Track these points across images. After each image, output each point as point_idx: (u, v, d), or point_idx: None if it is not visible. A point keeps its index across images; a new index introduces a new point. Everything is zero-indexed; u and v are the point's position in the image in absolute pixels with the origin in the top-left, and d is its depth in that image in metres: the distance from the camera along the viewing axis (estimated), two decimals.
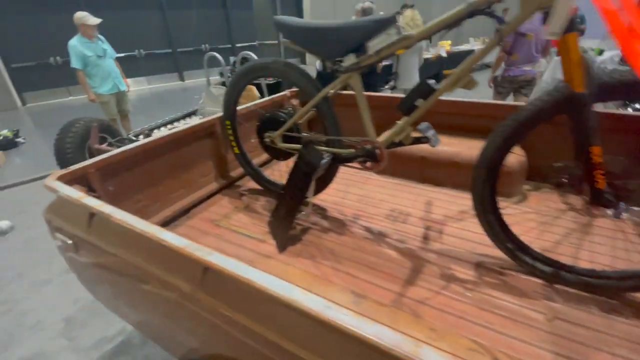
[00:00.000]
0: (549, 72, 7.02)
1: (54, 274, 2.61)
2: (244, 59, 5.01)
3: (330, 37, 1.25)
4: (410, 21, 4.21)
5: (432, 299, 1.13)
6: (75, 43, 4.16)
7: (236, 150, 1.86)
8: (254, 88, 4.56)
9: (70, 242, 1.10)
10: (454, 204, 1.67)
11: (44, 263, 2.72)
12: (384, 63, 4.92)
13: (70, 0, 8.36)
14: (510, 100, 4.34)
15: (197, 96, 8.98)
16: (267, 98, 2.32)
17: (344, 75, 1.33)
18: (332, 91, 1.40)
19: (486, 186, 1.17)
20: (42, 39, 8.13)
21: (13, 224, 3.22)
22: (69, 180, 1.23)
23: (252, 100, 4.68)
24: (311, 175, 1.36)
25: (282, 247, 1.42)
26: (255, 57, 4.47)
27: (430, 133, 1.34)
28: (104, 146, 3.61)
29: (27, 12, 7.81)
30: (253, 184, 2.01)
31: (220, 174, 2.01)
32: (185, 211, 1.76)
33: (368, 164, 1.40)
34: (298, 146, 1.53)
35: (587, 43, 8.59)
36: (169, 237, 0.80)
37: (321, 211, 1.71)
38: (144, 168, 1.56)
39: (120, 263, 0.96)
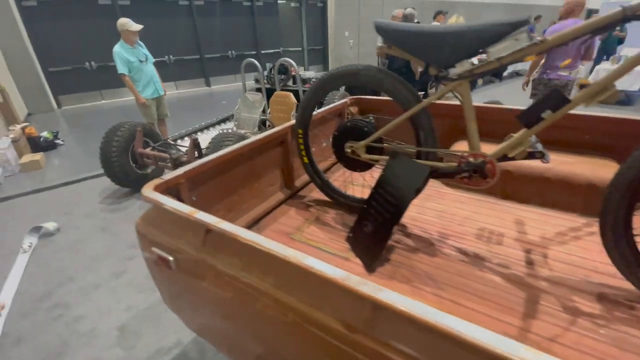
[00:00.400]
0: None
1: (103, 278, 2.57)
2: (283, 67, 4.97)
3: (449, 42, 1.15)
4: None
5: (562, 336, 1.00)
6: (119, 49, 4.20)
7: (305, 159, 1.78)
8: (291, 95, 4.51)
9: (171, 258, 1.02)
10: (548, 224, 1.53)
11: (92, 266, 2.69)
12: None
13: (106, 8, 8.59)
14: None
15: (225, 101, 9.08)
16: (329, 106, 2.23)
17: (452, 83, 1.22)
18: (435, 101, 1.30)
19: (621, 209, 1.04)
20: (78, 44, 8.36)
21: (59, 225, 3.21)
22: (164, 190, 1.16)
23: (289, 107, 4.65)
24: (415, 192, 1.25)
25: (371, 269, 1.31)
26: (293, 63, 4.43)
27: (540, 147, 1.22)
28: (147, 150, 3.59)
29: (64, 18, 8.04)
30: (317, 194, 1.92)
31: (286, 183, 1.93)
32: (256, 221, 1.67)
33: (472, 180, 1.28)
34: (383, 157, 1.42)
35: (624, 51, 8.27)
36: (317, 265, 0.70)
37: (400, 227, 1.60)
38: (221, 178, 1.48)
39: (238, 284, 0.86)
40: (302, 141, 1.73)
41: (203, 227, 0.93)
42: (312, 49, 13.32)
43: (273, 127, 4.22)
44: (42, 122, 7.02)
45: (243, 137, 3.21)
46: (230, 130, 4.88)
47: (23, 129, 5.28)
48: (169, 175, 1.23)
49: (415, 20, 6.43)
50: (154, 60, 4.73)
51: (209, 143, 3.05)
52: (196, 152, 3.22)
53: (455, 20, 4.05)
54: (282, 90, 4.82)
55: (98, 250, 2.89)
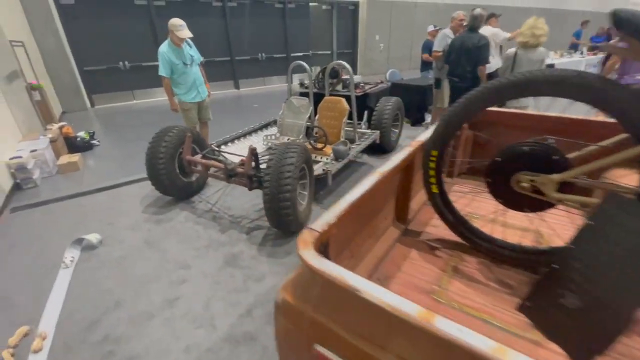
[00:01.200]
0: None
1: (155, 305, 2.24)
2: (334, 70, 4.60)
3: None
4: (529, 30, 3.64)
5: None
6: (164, 50, 3.94)
7: (434, 188, 1.39)
8: (343, 100, 4.13)
9: None
10: None
11: (141, 290, 2.37)
12: (488, 71, 4.36)
13: (141, 8, 8.45)
14: None
15: (257, 104, 8.82)
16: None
17: None
18: None
19: None
20: (113, 44, 8.23)
21: (101, 237, 2.92)
22: (317, 242, 0.79)
23: (341, 114, 4.27)
24: None
25: None
26: (348, 67, 4.07)
27: None
28: (198, 158, 3.28)
29: (100, 17, 7.92)
30: (436, 230, 1.53)
31: (398, 217, 1.54)
32: (375, 267, 1.30)
33: None
34: (590, 201, 1.03)
35: None
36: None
37: None
38: (354, 216, 1.11)
39: None
40: (435, 166, 1.35)
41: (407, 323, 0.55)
42: (342, 52, 12.96)
43: (324, 134, 3.87)
44: (77, 121, 6.87)
45: (306, 149, 2.86)
46: (274, 137, 4.56)
47: (60, 128, 5.08)
48: (319, 222, 0.86)
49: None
50: (201, 59, 4.48)
51: (269, 153, 2.70)
52: (253, 163, 2.88)
53: (534, 22, 3.61)
54: (331, 95, 4.46)
55: (146, 270, 2.57)
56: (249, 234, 2.97)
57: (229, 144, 4.29)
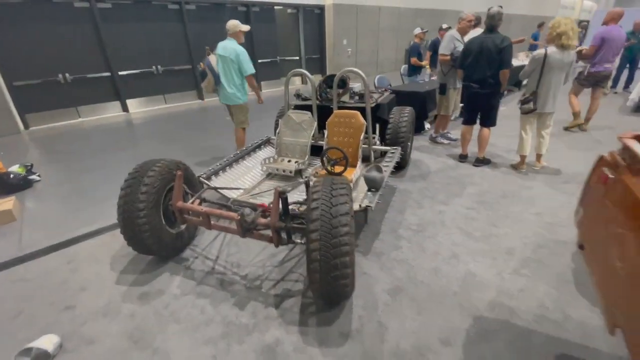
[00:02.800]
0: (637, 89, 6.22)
1: None
2: (342, 82, 3.89)
3: None
4: (570, 30, 3.23)
5: None
6: (242, 48, 4.01)
7: None
8: (358, 114, 3.44)
9: None
10: None
11: None
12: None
13: (81, 12, 7.12)
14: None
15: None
16: None
17: None
18: None
19: None
20: (48, 53, 6.82)
21: (60, 340, 1.94)
22: None
23: (358, 130, 3.50)
24: None
25: None
26: (361, 73, 3.38)
27: None
28: (194, 205, 2.38)
29: (32, 22, 6.50)
30: None
31: None
32: None
33: None
34: None
35: None
36: None
37: None
38: None
39: None
40: None
41: None
42: (310, 57, 12.31)
43: (344, 156, 3.14)
44: (7, 149, 5.46)
45: (349, 185, 2.12)
46: (272, 160, 3.74)
47: None
48: None
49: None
50: None
51: (312, 192, 1.92)
52: (281, 206, 2.08)
53: (571, 22, 3.21)
54: (339, 107, 3.75)
55: None
56: (278, 306, 2.15)
57: (221, 173, 3.40)
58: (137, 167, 2.43)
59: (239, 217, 2.08)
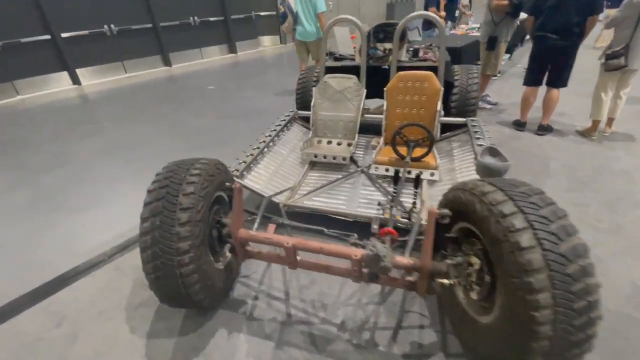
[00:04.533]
0: None
1: None
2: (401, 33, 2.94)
3: None
4: None
5: None
6: None
7: None
8: (433, 75, 2.61)
9: None
10: None
11: None
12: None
13: None
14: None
15: (212, 86, 6.55)
16: None
17: None
18: None
19: None
20: None
21: None
22: None
23: (432, 98, 2.51)
24: None
25: None
26: (437, 18, 2.48)
27: None
28: (269, 235, 1.49)
29: None
30: None
31: None
32: None
33: None
34: None
35: None
36: None
37: None
38: None
39: None
40: None
41: None
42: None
43: (425, 137, 2.32)
44: None
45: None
46: (308, 144, 2.88)
47: None
48: None
49: None
50: None
51: (519, 228, 1.10)
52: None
53: None
54: (404, 67, 2.86)
55: None
56: None
57: (253, 167, 2.47)
58: (161, 177, 1.49)
59: (365, 258, 1.26)
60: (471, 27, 6.88)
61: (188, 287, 1.41)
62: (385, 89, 2.73)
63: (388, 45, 2.97)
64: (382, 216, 1.99)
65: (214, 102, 5.50)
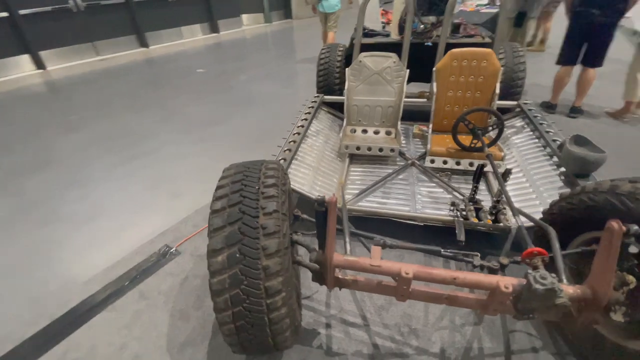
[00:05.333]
0: None
1: None
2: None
3: None
4: None
5: None
6: None
7: None
8: (492, 53, 2.28)
9: None
10: None
11: None
12: None
13: None
14: None
15: (202, 69, 5.90)
16: None
17: None
18: None
19: None
20: None
21: None
22: None
23: (491, 78, 2.07)
24: None
25: None
26: None
27: None
28: (380, 262, 1.14)
29: None
30: None
31: None
32: None
33: None
34: None
35: None
36: None
37: None
38: None
39: None
40: None
41: None
42: None
43: (494, 124, 2.00)
44: None
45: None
46: (344, 133, 2.53)
47: None
48: None
49: None
50: None
51: None
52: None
53: None
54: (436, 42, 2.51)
55: None
56: None
57: (294, 164, 2.09)
58: (227, 189, 1.11)
59: (521, 290, 0.96)
60: (480, 3, 6.58)
61: (277, 334, 1.06)
62: (435, 68, 2.39)
63: (431, 19, 2.61)
64: (464, 220, 1.70)
65: (209, 87, 4.95)
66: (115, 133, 3.53)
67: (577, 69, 3.34)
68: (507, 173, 1.70)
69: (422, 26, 2.67)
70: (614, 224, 0.92)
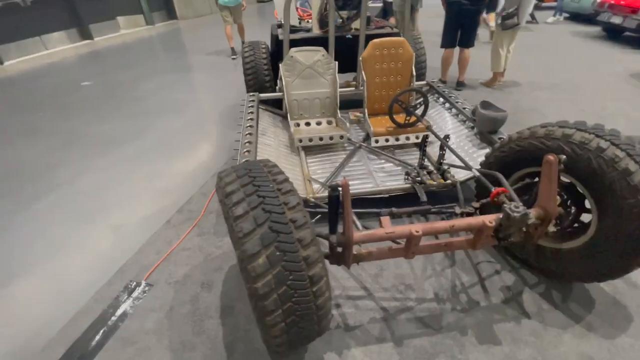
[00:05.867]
0: None
1: None
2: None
3: None
4: None
5: None
6: None
7: None
8: (404, 41, 2.61)
9: None
10: None
11: None
12: None
13: None
14: None
15: (88, 82, 4.98)
16: None
17: None
18: None
19: None
20: None
21: None
22: None
23: (407, 64, 2.47)
24: None
25: None
26: None
27: None
28: (372, 231, 1.27)
29: None
30: None
31: None
32: None
33: None
34: None
35: None
36: None
37: None
38: None
39: None
40: None
41: None
42: None
43: (421, 101, 2.35)
44: None
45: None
46: (295, 127, 2.62)
47: None
48: None
49: None
50: None
51: None
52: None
53: None
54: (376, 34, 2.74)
55: None
56: None
57: None
58: (241, 193, 1.10)
59: (503, 221, 1.23)
60: None
61: (322, 319, 1.11)
62: (360, 58, 2.63)
63: (346, 13, 2.84)
64: (421, 184, 1.98)
65: (108, 101, 4.31)
66: (10, 169, 2.84)
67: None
68: (446, 138, 2.03)
69: (340, 20, 2.87)
70: (551, 157, 1.25)
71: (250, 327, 1.54)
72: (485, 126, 2.24)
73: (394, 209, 1.38)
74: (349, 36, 2.94)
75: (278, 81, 3.23)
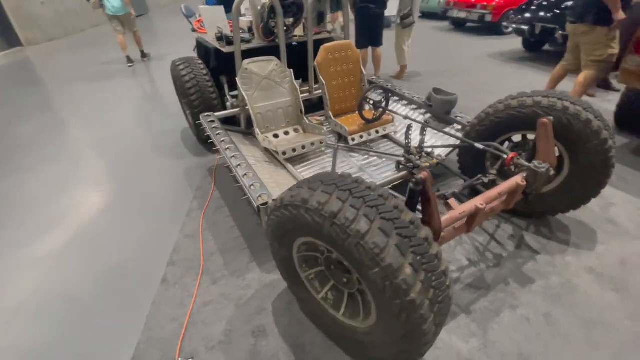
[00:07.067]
0: None
1: None
2: (297, 6, 2.69)
3: None
4: None
5: None
6: None
7: None
8: (351, 44, 2.73)
9: None
10: None
11: None
12: None
13: None
14: None
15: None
16: None
17: None
18: None
19: None
20: None
21: None
22: None
23: (356, 65, 2.63)
24: None
25: None
26: None
27: None
28: (450, 214, 1.32)
29: None
30: None
31: None
32: None
33: None
34: None
35: None
36: None
37: None
38: None
39: None
40: None
41: None
42: None
43: (386, 91, 2.48)
44: None
45: None
46: (266, 140, 2.49)
47: None
48: None
49: None
50: None
51: None
52: None
53: None
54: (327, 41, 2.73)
55: None
56: None
57: (267, 185, 1.88)
58: (350, 214, 1.00)
59: (530, 177, 1.47)
60: None
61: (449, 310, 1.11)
62: (315, 63, 2.63)
63: (289, 21, 2.79)
64: (417, 168, 2.13)
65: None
66: None
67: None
68: (427, 122, 2.23)
69: (284, 28, 2.80)
70: (545, 120, 1.53)
71: (334, 356, 1.41)
72: (441, 109, 2.55)
73: (455, 191, 1.46)
74: (295, 44, 2.90)
75: (228, 97, 2.98)
